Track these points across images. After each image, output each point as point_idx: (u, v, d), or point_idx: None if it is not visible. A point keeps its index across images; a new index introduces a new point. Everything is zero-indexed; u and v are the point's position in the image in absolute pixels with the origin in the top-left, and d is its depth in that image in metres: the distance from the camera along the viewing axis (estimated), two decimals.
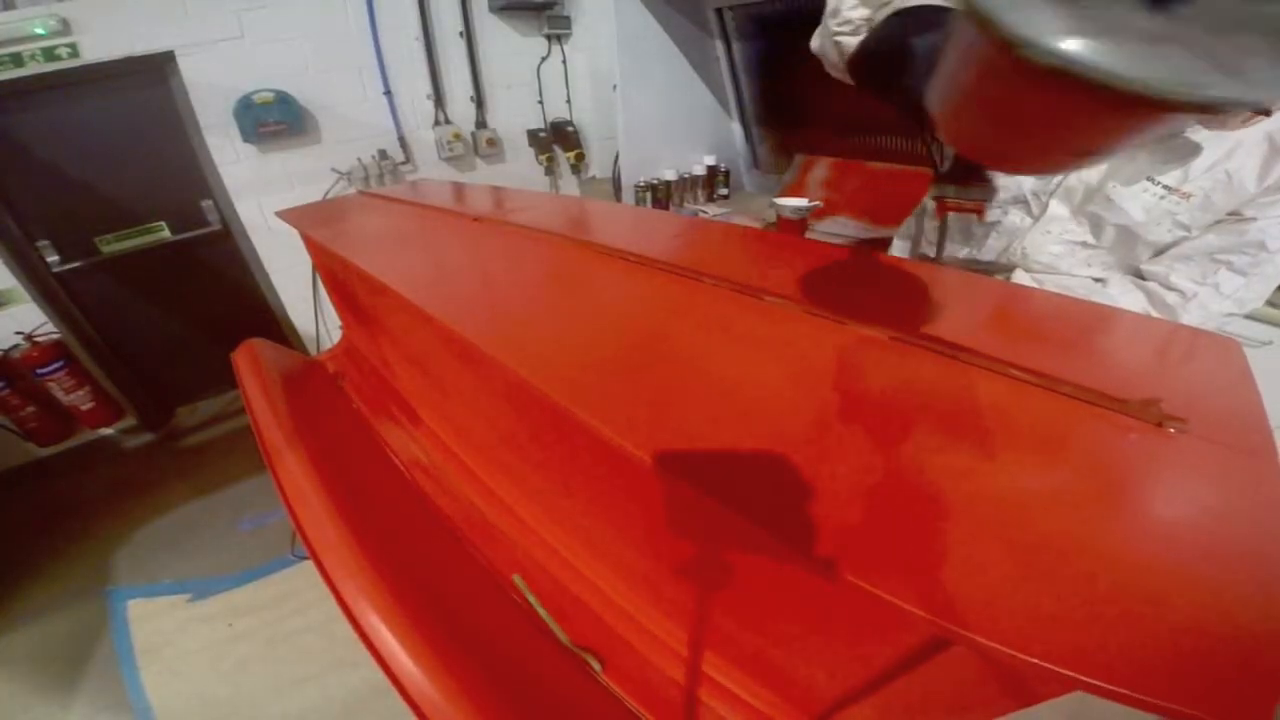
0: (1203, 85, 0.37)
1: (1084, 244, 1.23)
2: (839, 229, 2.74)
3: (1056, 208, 1.23)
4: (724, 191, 3.41)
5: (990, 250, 1.34)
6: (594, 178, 4.28)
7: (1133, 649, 0.38)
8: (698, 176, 3.35)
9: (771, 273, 1.06)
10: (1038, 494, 0.51)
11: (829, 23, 0.98)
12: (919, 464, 0.55)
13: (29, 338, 3.11)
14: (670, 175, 3.25)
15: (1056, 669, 0.37)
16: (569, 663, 0.95)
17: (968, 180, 0.87)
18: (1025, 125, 0.51)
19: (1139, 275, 1.21)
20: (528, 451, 1.14)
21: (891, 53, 0.77)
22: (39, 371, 3.13)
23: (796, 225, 2.65)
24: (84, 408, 3.37)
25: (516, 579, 1.06)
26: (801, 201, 2.67)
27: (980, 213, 0.88)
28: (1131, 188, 1.14)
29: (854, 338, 0.80)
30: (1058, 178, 1.21)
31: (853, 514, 0.50)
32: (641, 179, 3.25)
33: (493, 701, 0.72)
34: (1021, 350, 0.72)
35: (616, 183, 3.51)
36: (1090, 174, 1.18)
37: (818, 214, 2.76)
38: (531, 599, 1.03)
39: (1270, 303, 1.97)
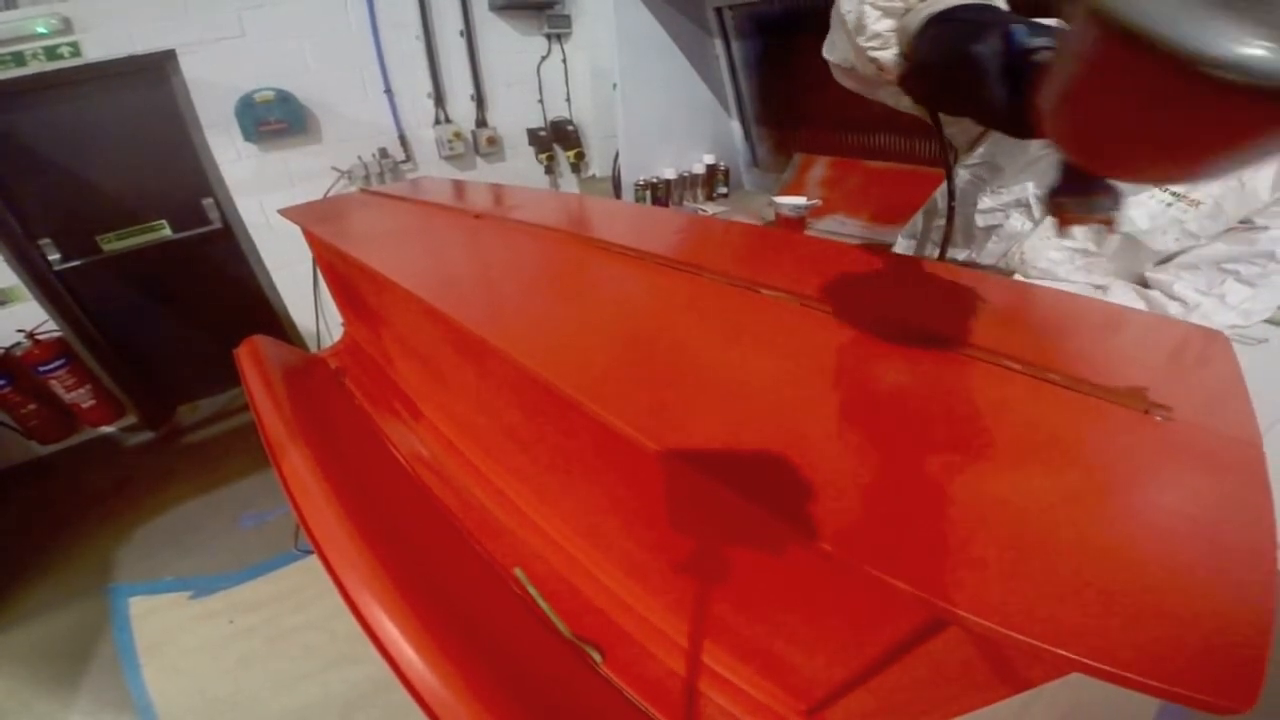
0: None
1: (1084, 251, 1.20)
2: (837, 227, 2.75)
3: None
4: (723, 190, 3.42)
5: (990, 254, 1.31)
6: (594, 176, 4.29)
7: (1124, 631, 0.39)
8: (697, 175, 3.35)
9: (771, 268, 1.06)
10: (1028, 480, 0.52)
11: (857, 40, 0.95)
12: (913, 452, 0.56)
13: (30, 335, 3.12)
14: (670, 174, 3.25)
15: (1050, 648, 0.38)
16: (570, 654, 0.96)
17: (1090, 191, 0.74)
18: (1194, 144, 0.45)
19: (1143, 282, 1.17)
20: (530, 444, 1.14)
21: (956, 65, 0.72)
22: (40, 369, 3.14)
23: (795, 223, 2.66)
24: (85, 406, 3.38)
25: (518, 571, 1.07)
26: (800, 200, 2.68)
27: (1109, 224, 0.82)
28: (1137, 195, 1.10)
29: (854, 332, 0.80)
30: (1045, 184, 1.19)
31: (852, 501, 0.51)
32: (641, 177, 3.25)
33: (495, 693, 0.73)
34: (1013, 341, 0.73)
35: (616, 181, 3.52)
36: None
37: (816, 212, 2.77)
38: (533, 591, 1.04)
39: None
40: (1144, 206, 1.10)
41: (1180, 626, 0.39)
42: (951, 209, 1.25)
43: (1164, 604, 0.41)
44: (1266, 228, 1.03)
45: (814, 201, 2.73)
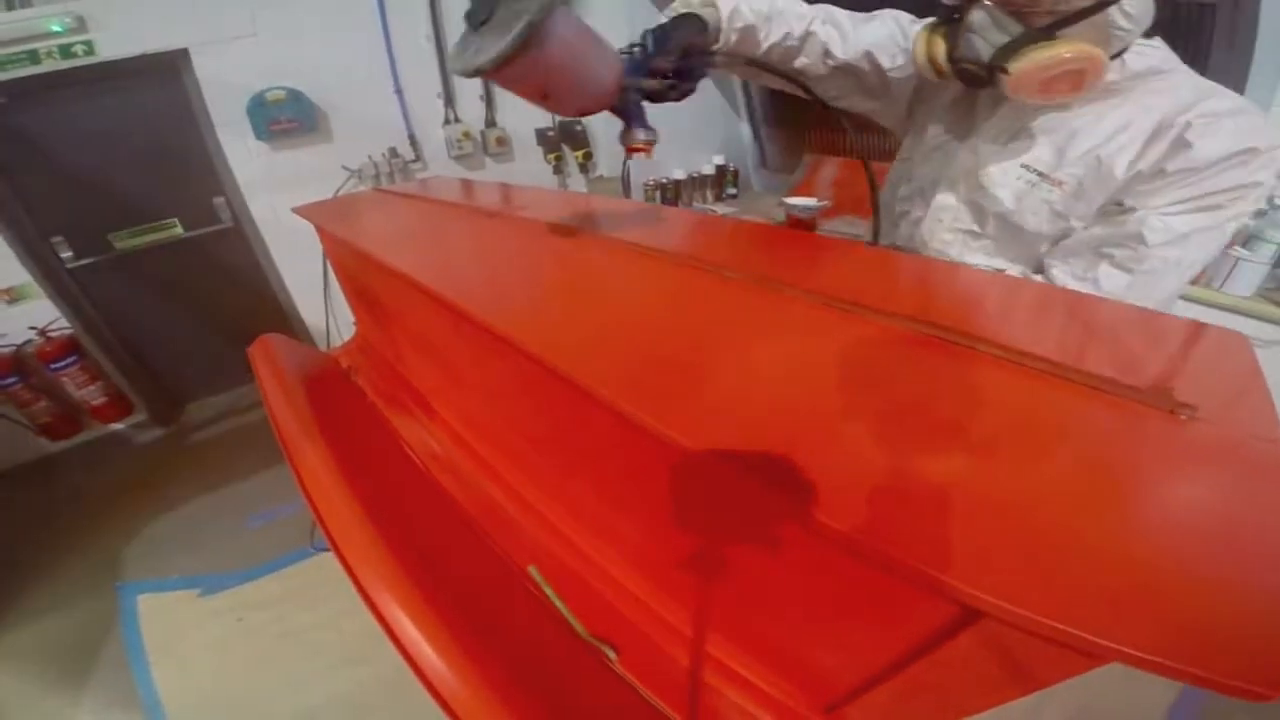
0: (468, 60, 0.85)
1: (972, 232, 1.20)
2: (847, 228, 2.75)
3: (943, 196, 1.22)
4: (732, 191, 3.43)
5: (901, 236, 1.37)
6: (601, 177, 4.29)
7: (1161, 622, 0.39)
8: (706, 176, 3.36)
9: (790, 266, 1.07)
10: (1061, 477, 0.52)
11: None
12: (945, 448, 0.56)
13: (42, 332, 3.14)
14: (679, 174, 3.26)
15: (1092, 638, 0.38)
16: (585, 653, 0.96)
17: (628, 128, 1.12)
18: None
19: (1041, 268, 1.16)
20: (544, 442, 1.15)
21: None
22: (52, 366, 3.16)
23: (806, 224, 2.66)
24: (95, 403, 3.40)
25: (532, 570, 1.07)
26: (811, 201, 2.68)
27: (647, 150, 1.12)
28: (1004, 174, 1.11)
29: (874, 328, 0.80)
30: (939, 171, 1.24)
31: (885, 496, 0.51)
32: (651, 178, 3.27)
33: (512, 690, 0.73)
34: (1036, 340, 0.73)
35: (626, 181, 3.51)
36: (969, 161, 1.16)
37: (827, 213, 2.77)
38: (548, 590, 1.04)
39: (1276, 300, 1.99)
40: (1009, 186, 1.11)
41: (1214, 618, 0.40)
42: (874, 199, 1.31)
43: (1198, 597, 0.41)
44: (1134, 208, 1.00)
45: (824, 202, 2.73)
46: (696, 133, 3.36)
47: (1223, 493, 0.51)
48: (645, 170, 3.26)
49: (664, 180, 3.25)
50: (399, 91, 3.58)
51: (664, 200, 3.25)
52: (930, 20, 1.12)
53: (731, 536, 0.78)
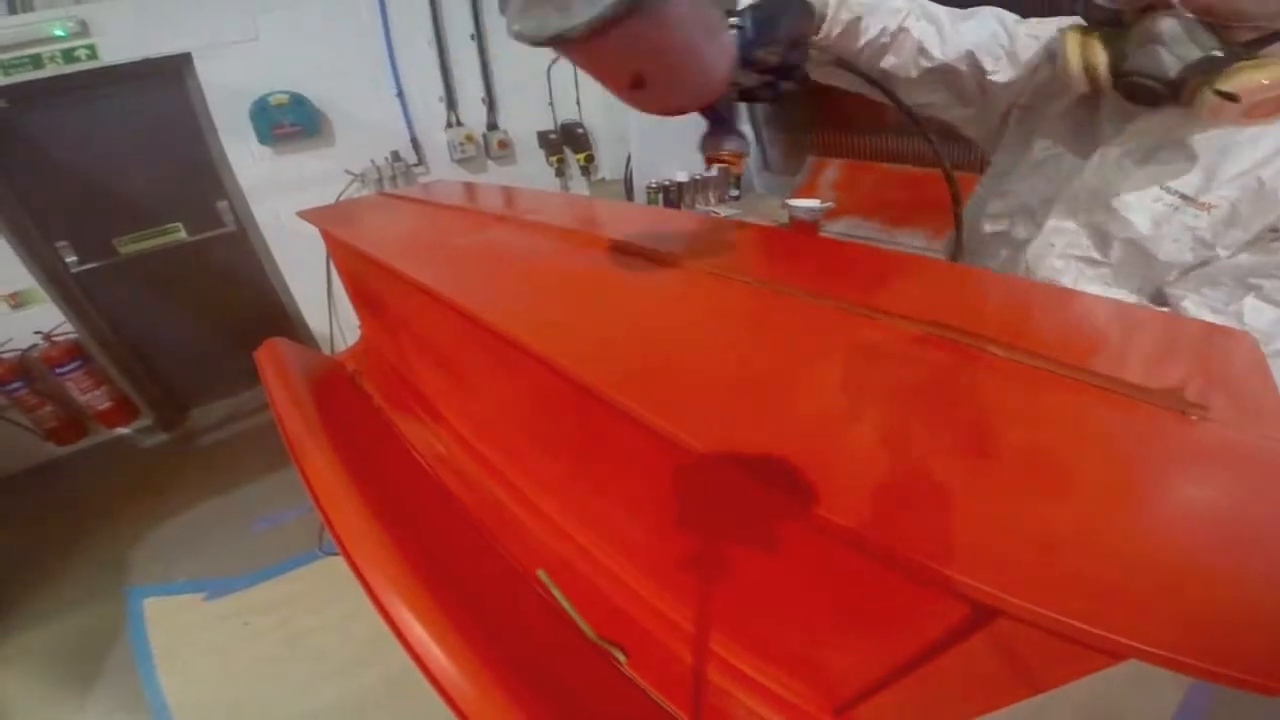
0: (544, 21, 0.55)
1: (1090, 259, 1.08)
2: (851, 230, 2.75)
3: (1059, 219, 1.10)
4: (734, 193, 3.42)
5: (995, 259, 1.25)
6: (603, 179, 4.29)
7: (1178, 621, 0.39)
8: (709, 178, 3.36)
9: (802, 271, 1.06)
10: (1073, 477, 0.52)
11: None
12: (958, 449, 0.56)
13: (47, 337, 3.15)
14: (681, 176, 3.26)
15: (1114, 637, 0.39)
16: (594, 655, 0.96)
17: (717, 134, 0.97)
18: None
19: (1162, 299, 1.03)
20: (552, 445, 1.15)
21: None
22: (57, 371, 3.18)
23: (809, 227, 2.66)
24: (100, 407, 3.41)
25: (540, 573, 1.07)
26: (814, 203, 2.68)
27: (734, 162, 0.98)
28: (1140, 196, 0.99)
29: (883, 330, 0.80)
30: (1049, 189, 1.12)
31: (902, 496, 0.51)
32: (653, 180, 3.26)
33: (522, 692, 0.73)
34: (1045, 341, 0.73)
35: (628, 184, 3.53)
36: (1094, 181, 1.05)
37: (830, 215, 2.76)
38: (556, 593, 1.04)
39: None
40: (1146, 210, 0.99)
41: (1229, 615, 0.40)
42: (957, 216, 1.20)
43: (1212, 594, 0.41)
44: None
45: (828, 204, 2.73)
46: (699, 134, 3.35)
47: (1235, 492, 0.51)
48: (647, 172, 3.26)
49: (666, 182, 3.25)
50: (401, 95, 3.59)
51: (666, 202, 3.24)
52: (1076, 22, 0.99)
53: (741, 538, 0.78)
